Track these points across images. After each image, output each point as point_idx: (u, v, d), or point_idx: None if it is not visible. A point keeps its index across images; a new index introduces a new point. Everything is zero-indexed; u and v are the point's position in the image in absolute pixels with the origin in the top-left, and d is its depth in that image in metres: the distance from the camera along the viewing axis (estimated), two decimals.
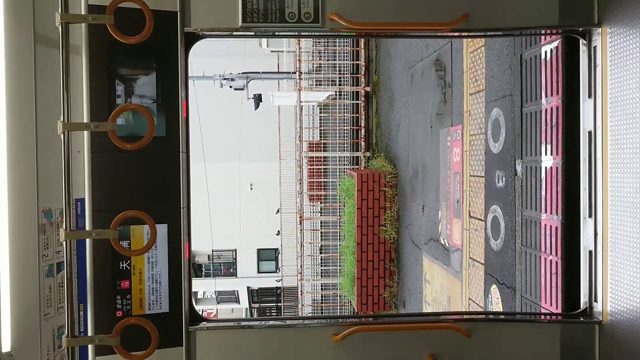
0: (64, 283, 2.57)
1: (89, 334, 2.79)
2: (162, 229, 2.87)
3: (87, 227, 2.79)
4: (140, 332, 2.60)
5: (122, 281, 2.88)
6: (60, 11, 2.47)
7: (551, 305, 4.63)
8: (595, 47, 3.05)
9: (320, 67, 13.09)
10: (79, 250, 2.69)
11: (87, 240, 2.79)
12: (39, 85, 2.57)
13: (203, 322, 3.06)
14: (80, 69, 2.79)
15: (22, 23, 2.51)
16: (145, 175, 2.90)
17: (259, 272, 22.85)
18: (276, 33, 3.15)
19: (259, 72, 15.18)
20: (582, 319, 3.10)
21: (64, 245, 2.50)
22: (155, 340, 2.59)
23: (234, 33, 3.04)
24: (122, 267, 2.88)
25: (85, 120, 2.77)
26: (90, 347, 2.78)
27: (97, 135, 2.76)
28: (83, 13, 2.71)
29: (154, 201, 2.91)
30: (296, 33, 3.19)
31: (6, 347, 2.44)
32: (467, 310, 6.50)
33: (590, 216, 3.11)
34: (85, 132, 2.78)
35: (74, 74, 2.57)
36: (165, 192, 2.94)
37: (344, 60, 12.63)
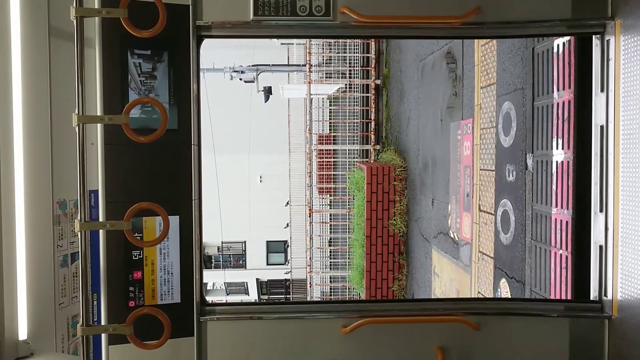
0: (78, 273, 2.62)
1: (103, 323, 2.84)
2: (174, 221, 2.91)
3: (101, 219, 2.83)
4: (152, 321, 2.65)
5: (135, 272, 2.92)
6: (75, 5, 2.50)
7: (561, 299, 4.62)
8: (608, 41, 3.03)
9: (330, 59, 13.06)
10: (92, 241, 2.74)
11: (101, 232, 2.83)
12: (53, 78, 2.61)
13: (213, 313, 3.10)
14: (94, 62, 2.82)
15: (37, 16, 2.55)
16: (158, 168, 2.94)
17: (268, 264, 22.94)
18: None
19: (269, 65, 15.16)
20: (591, 313, 3.10)
21: (79, 236, 2.54)
22: (167, 330, 2.63)
23: (245, 28, 3.05)
24: (135, 258, 2.92)
25: (99, 113, 2.81)
26: (103, 336, 2.83)
27: (111, 128, 2.79)
28: (97, 7, 2.74)
29: (166, 193, 2.94)
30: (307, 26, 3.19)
31: (22, 335, 2.50)
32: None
33: (601, 211, 3.10)
34: (99, 125, 2.81)
35: (87, 67, 2.60)
36: (177, 184, 2.97)
37: (354, 52, 12.59)
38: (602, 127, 3.09)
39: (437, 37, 3.27)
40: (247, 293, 24.26)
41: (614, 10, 2.99)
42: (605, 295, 3.07)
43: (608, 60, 3.03)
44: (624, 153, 2.95)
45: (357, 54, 12.58)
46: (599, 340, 3.08)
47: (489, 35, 3.05)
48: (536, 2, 3.04)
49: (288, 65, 17.04)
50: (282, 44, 18.64)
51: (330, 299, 13.08)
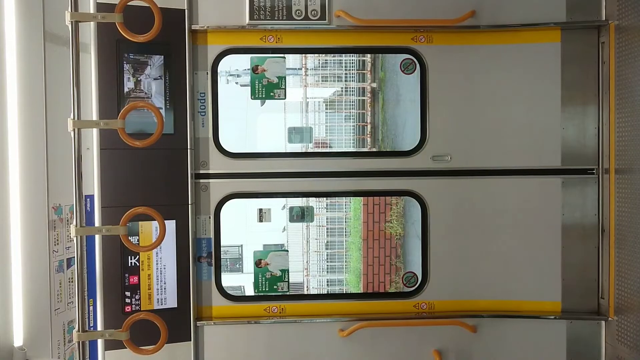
0: (74, 278, 2.60)
1: (99, 328, 2.83)
2: (170, 225, 2.90)
3: (97, 224, 2.82)
4: (149, 326, 2.64)
5: (131, 277, 2.91)
6: (70, 10, 2.49)
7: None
8: (602, 44, 3.04)
9: (326, 62, 13.06)
10: (88, 246, 2.72)
11: (97, 237, 2.83)
12: (49, 83, 2.60)
13: (210, 318, 3.10)
14: (89, 67, 2.82)
15: (32, 22, 2.54)
16: (154, 172, 2.93)
17: None
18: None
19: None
20: (588, 315, 3.10)
21: (75, 241, 2.53)
22: (164, 335, 2.62)
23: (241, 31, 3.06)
24: (131, 263, 2.91)
25: (94, 118, 2.80)
26: (100, 341, 2.81)
27: (107, 133, 2.78)
28: (92, 12, 2.73)
29: (162, 197, 2.94)
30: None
31: (18, 342, 2.48)
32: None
33: (596, 213, 3.11)
34: (95, 130, 2.81)
35: (83, 72, 2.59)
36: (173, 188, 2.97)
37: (350, 56, 12.60)
38: (596, 129, 3.10)
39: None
40: None
41: (608, 13, 3.01)
42: (602, 297, 3.08)
43: (603, 63, 3.05)
44: (619, 155, 2.96)
45: (353, 57, 12.59)
46: (596, 342, 3.09)
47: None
48: (531, 6, 3.06)
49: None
50: None
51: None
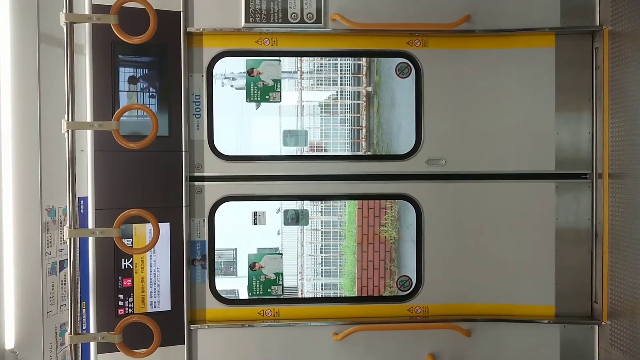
0: (67, 281, 2.58)
1: (92, 331, 2.81)
2: (164, 228, 2.89)
3: (90, 226, 2.81)
4: (142, 329, 2.62)
5: (125, 279, 2.90)
6: (65, 11, 2.48)
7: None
8: (596, 49, 3.06)
9: (322, 66, 13.09)
10: (81, 248, 2.71)
11: (90, 239, 2.81)
12: (43, 84, 2.58)
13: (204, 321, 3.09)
14: (84, 68, 2.81)
15: (27, 23, 2.53)
16: (148, 174, 2.92)
17: None
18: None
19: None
20: (582, 320, 3.11)
21: (68, 243, 2.51)
22: (157, 338, 2.60)
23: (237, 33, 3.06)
24: (124, 265, 2.89)
25: (89, 119, 2.79)
26: (92, 344, 2.80)
27: (101, 134, 2.77)
28: (87, 13, 2.73)
29: (157, 200, 2.93)
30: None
31: (10, 344, 2.46)
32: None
33: (590, 217, 3.12)
34: (89, 131, 2.80)
35: (77, 73, 2.58)
36: (168, 191, 2.96)
37: (345, 59, 12.63)
38: (590, 133, 3.11)
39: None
40: None
41: (602, 19, 3.03)
42: (596, 301, 3.09)
43: (596, 68, 3.06)
44: (612, 160, 2.97)
45: (349, 61, 12.62)
46: (589, 347, 3.10)
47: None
48: (526, 11, 3.08)
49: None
50: None
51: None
